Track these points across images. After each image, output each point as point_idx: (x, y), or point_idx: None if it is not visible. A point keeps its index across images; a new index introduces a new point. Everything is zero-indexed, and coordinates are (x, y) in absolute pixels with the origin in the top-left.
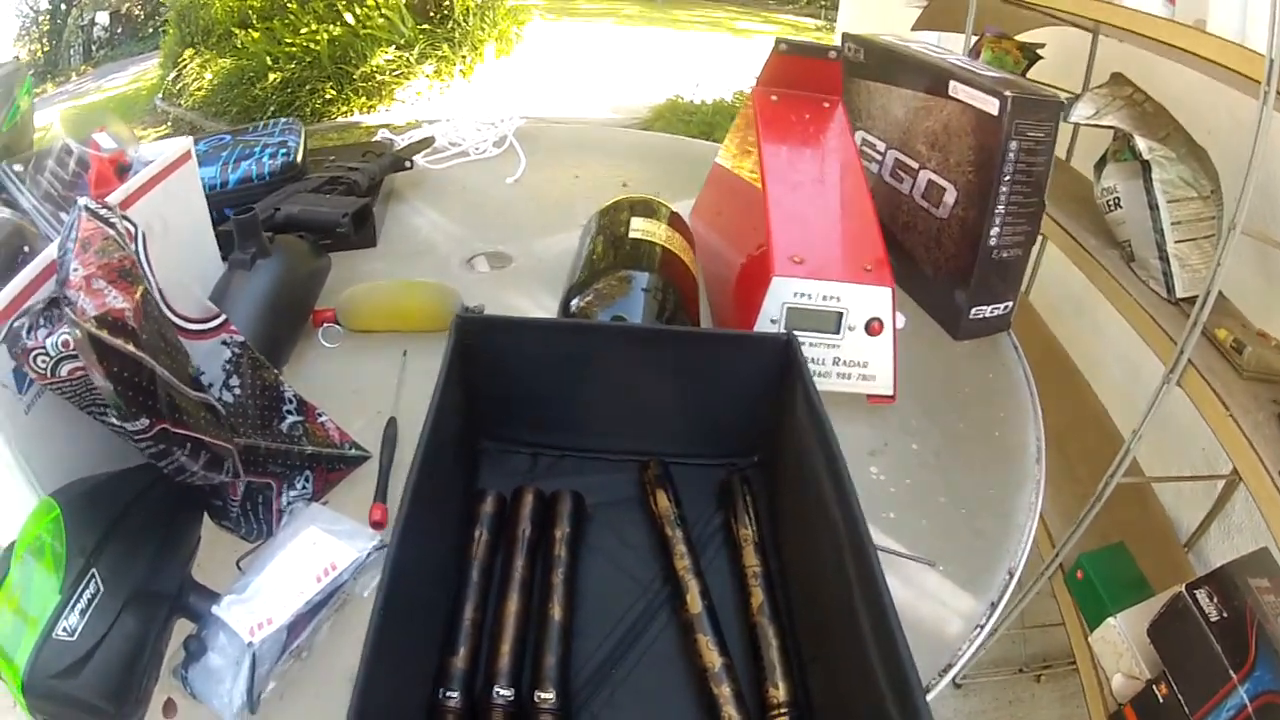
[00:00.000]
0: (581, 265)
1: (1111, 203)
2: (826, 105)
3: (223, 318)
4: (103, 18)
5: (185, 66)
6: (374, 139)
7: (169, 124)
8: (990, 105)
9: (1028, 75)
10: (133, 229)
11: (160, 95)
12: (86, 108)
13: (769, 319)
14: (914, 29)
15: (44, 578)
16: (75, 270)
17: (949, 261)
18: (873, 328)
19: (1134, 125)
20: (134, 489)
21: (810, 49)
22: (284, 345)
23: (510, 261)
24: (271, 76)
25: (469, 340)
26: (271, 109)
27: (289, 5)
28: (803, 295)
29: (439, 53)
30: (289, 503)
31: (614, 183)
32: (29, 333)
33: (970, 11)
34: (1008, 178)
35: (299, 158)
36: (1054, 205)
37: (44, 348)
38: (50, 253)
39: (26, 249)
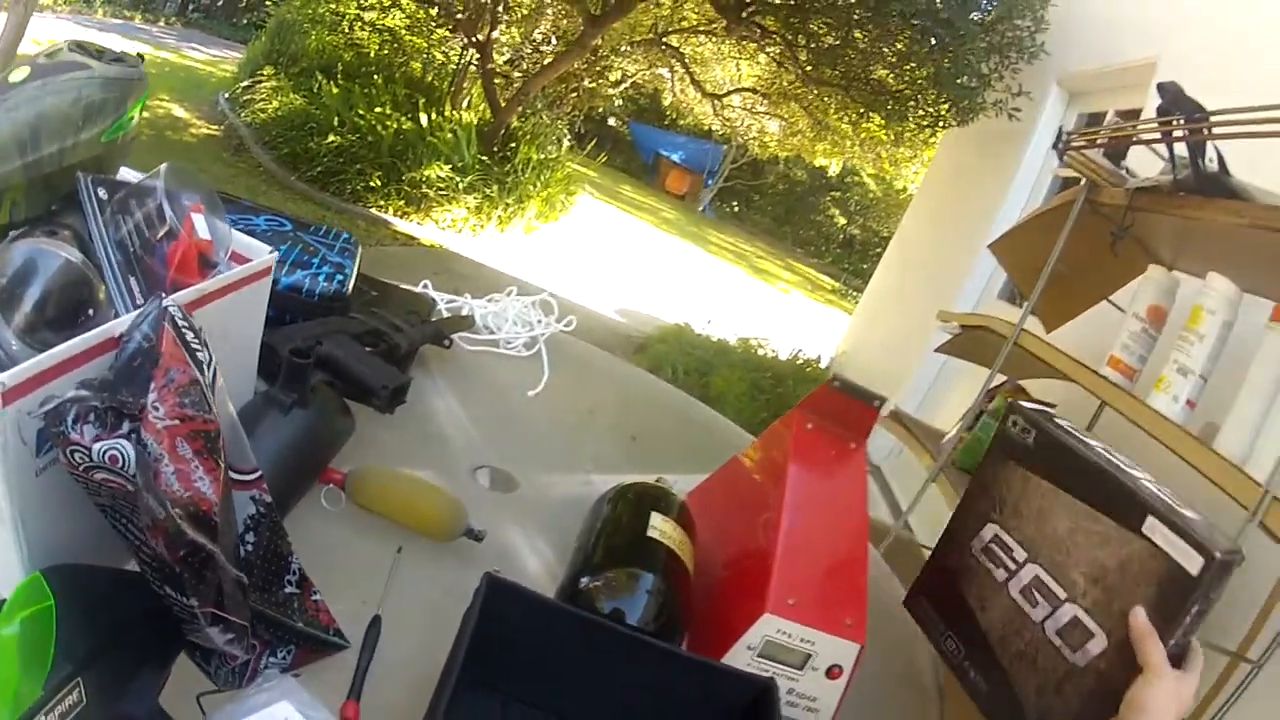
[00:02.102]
0: (594, 542)
1: None
2: (853, 447)
3: (259, 472)
4: None
5: (261, 83)
6: (418, 289)
7: (223, 127)
8: (1192, 562)
9: None
10: (207, 358)
11: (227, 94)
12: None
13: (747, 645)
14: (937, 350)
15: (22, 667)
16: (156, 407)
17: (1067, 717)
18: (833, 673)
19: None
20: (133, 604)
21: (859, 392)
22: (291, 500)
23: (515, 487)
24: (331, 138)
25: (489, 598)
26: (318, 168)
27: (375, 77)
28: (784, 633)
29: (487, 190)
30: (265, 666)
31: (624, 434)
32: (74, 424)
33: (1000, 358)
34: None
35: (349, 288)
36: None
37: (87, 448)
38: (114, 328)
39: (91, 311)
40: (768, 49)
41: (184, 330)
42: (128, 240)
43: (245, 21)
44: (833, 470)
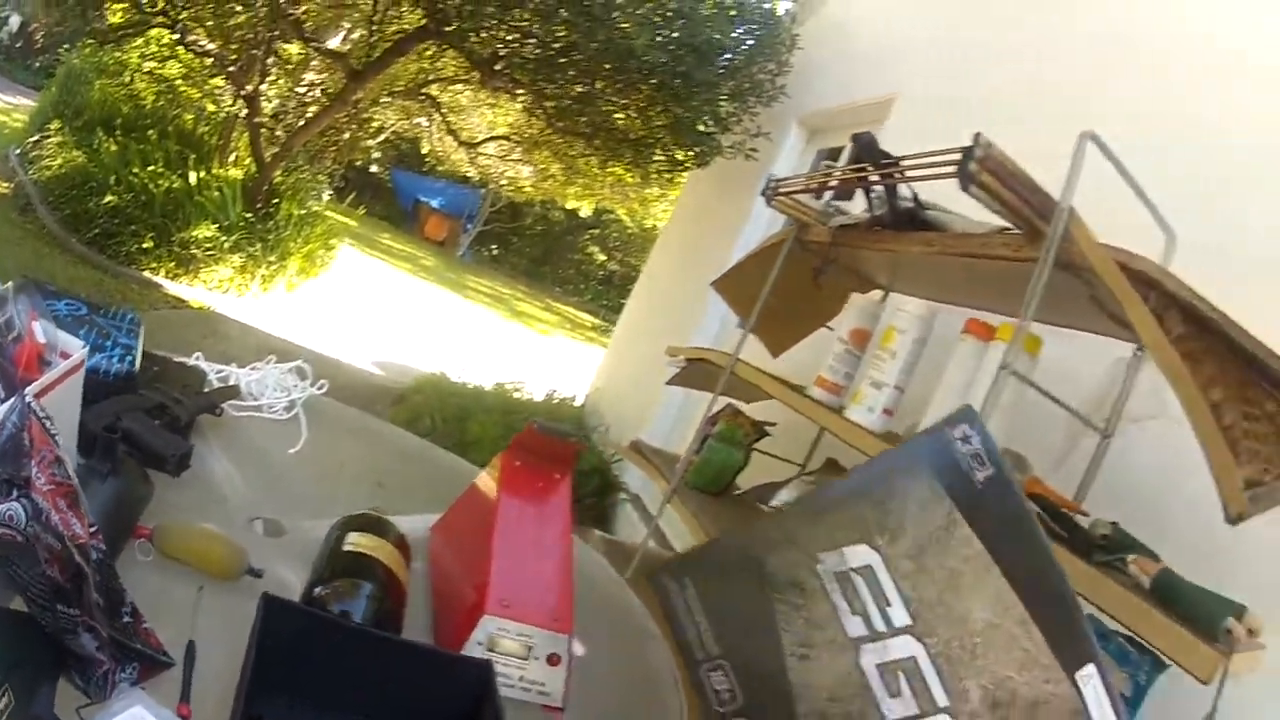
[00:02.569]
0: (326, 559)
1: None
2: (557, 477)
3: (96, 526)
4: (14, 21)
5: (49, 137)
6: (190, 362)
7: (13, 185)
8: None
9: (755, 447)
10: (56, 444)
11: (17, 149)
12: None
13: (476, 641)
14: (668, 383)
15: None
16: (38, 477)
17: None
18: (552, 660)
19: None
20: (31, 631)
21: (556, 431)
22: (115, 551)
23: (284, 532)
24: (108, 198)
25: (267, 615)
26: (96, 230)
27: (150, 132)
28: (504, 630)
29: (251, 249)
30: (119, 680)
31: (372, 479)
32: None
33: (721, 381)
34: None
35: (137, 366)
36: None
37: None
38: None
39: None
40: (519, 98)
41: (42, 418)
42: None
43: (37, 64)
44: (539, 497)
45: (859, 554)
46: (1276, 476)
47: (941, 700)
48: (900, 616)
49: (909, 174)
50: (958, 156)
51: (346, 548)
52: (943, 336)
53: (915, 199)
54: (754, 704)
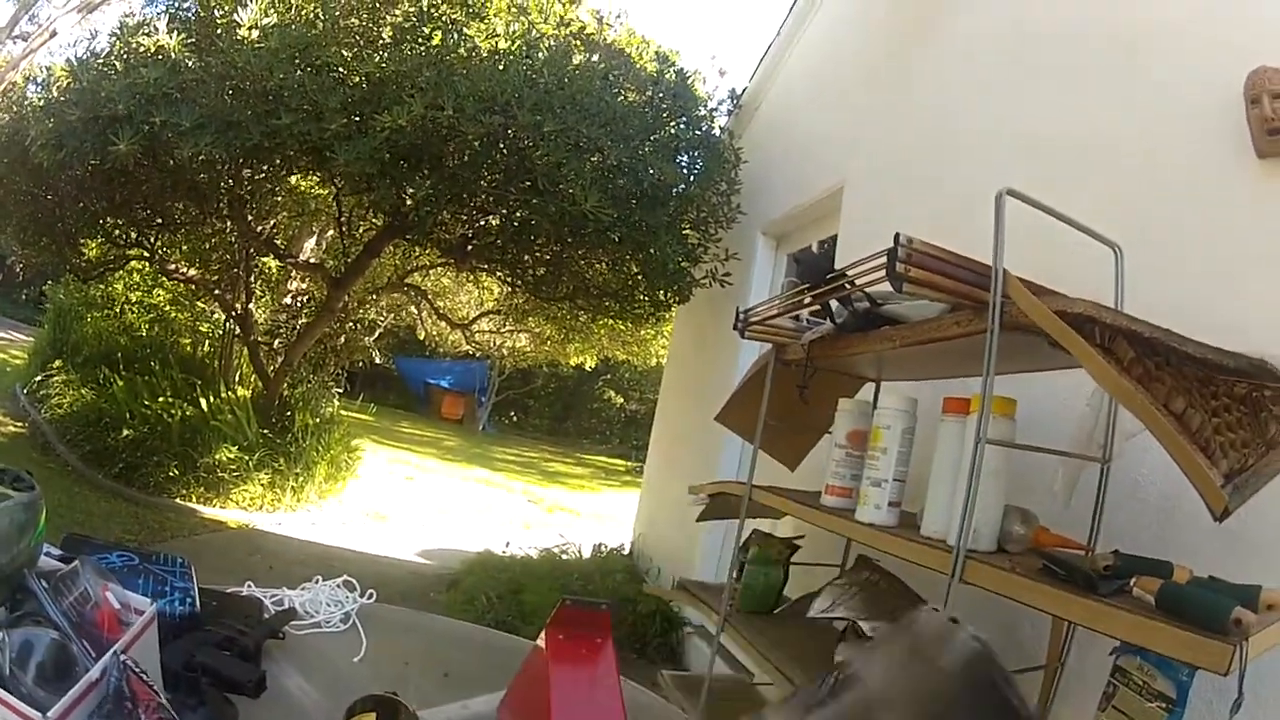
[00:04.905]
0: None
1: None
2: (599, 641)
3: None
4: None
5: (53, 376)
6: (243, 592)
7: (26, 424)
8: None
9: (791, 560)
10: (155, 692)
11: (24, 388)
12: None
13: None
14: (698, 520)
15: None
16: None
17: None
18: None
19: (863, 611)
20: None
21: (586, 604)
22: None
23: None
24: (125, 432)
25: None
26: (120, 464)
27: (151, 363)
28: None
29: (276, 464)
30: None
31: (437, 671)
32: None
33: (743, 510)
34: None
35: (198, 605)
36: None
37: None
38: (91, 675)
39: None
40: (496, 274)
41: (138, 672)
42: (69, 613)
43: (23, 296)
44: (585, 661)
45: None
46: (1260, 455)
47: None
48: None
49: (855, 282)
50: (883, 261)
51: None
52: (934, 413)
53: (869, 299)
54: None
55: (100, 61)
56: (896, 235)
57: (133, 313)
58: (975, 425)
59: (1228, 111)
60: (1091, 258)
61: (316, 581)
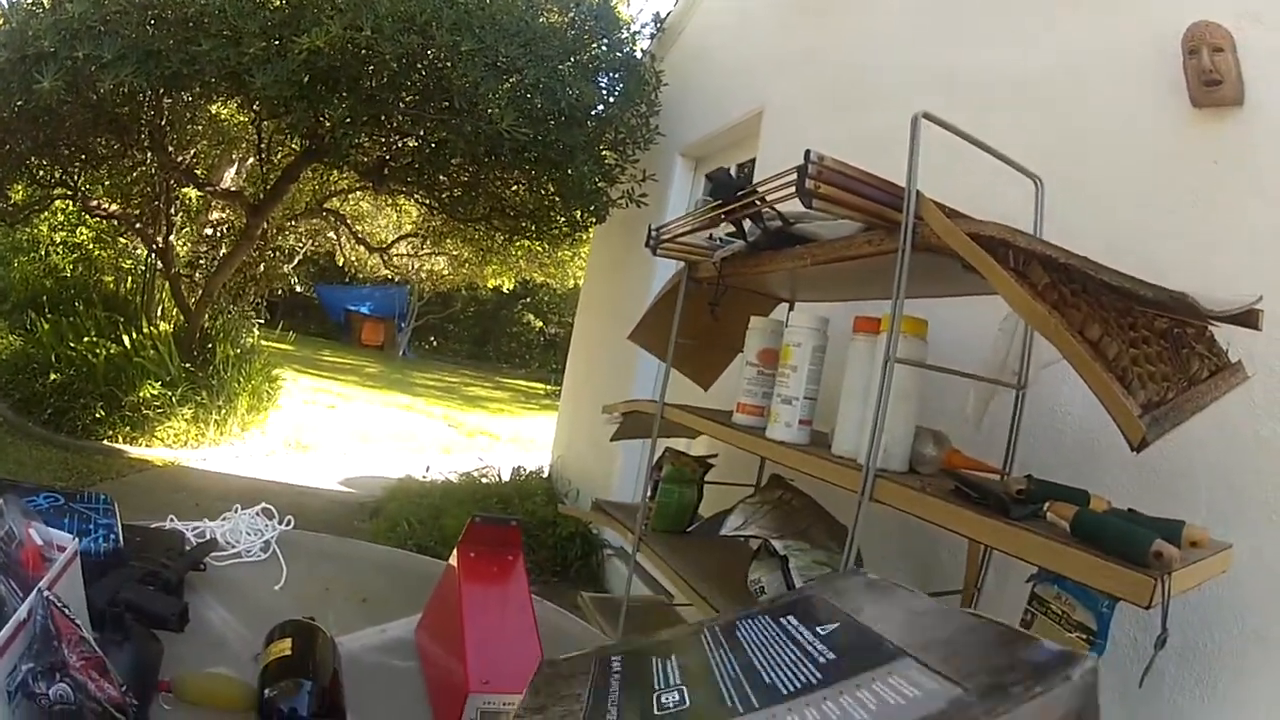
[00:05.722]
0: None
1: (757, 590)
2: (510, 558)
3: (125, 687)
4: None
5: None
6: (165, 526)
7: None
8: None
9: (705, 479)
10: (78, 626)
11: None
12: None
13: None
14: (611, 439)
15: None
16: (71, 656)
17: None
18: None
19: (775, 528)
20: None
21: (496, 520)
22: (144, 708)
23: None
24: (52, 376)
25: None
26: (49, 410)
27: (76, 303)
28: (490, 703)
29: (199, 398)
30: None
31: (357, 597)
32: (34, 682)
33: (655, 428)
34: None
35: (121, 542)
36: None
37: (46, 694)
38: (19, 614)
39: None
40: (413, 197)
41: (60, 607)
42: None
43: None
44: (498, 579)
45: None
46: (1181, 390)
47: None
48: None
49: (767, 199)
50: (794, 178)
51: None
52: (848, 334)
53: (781, 217)
54: None
55: (30, 1)
56: (807, 152)
57: (57, 254)
58: (885, 344)
59: (1164, 59)
60: (1016, 196)
61: (236, 511)
